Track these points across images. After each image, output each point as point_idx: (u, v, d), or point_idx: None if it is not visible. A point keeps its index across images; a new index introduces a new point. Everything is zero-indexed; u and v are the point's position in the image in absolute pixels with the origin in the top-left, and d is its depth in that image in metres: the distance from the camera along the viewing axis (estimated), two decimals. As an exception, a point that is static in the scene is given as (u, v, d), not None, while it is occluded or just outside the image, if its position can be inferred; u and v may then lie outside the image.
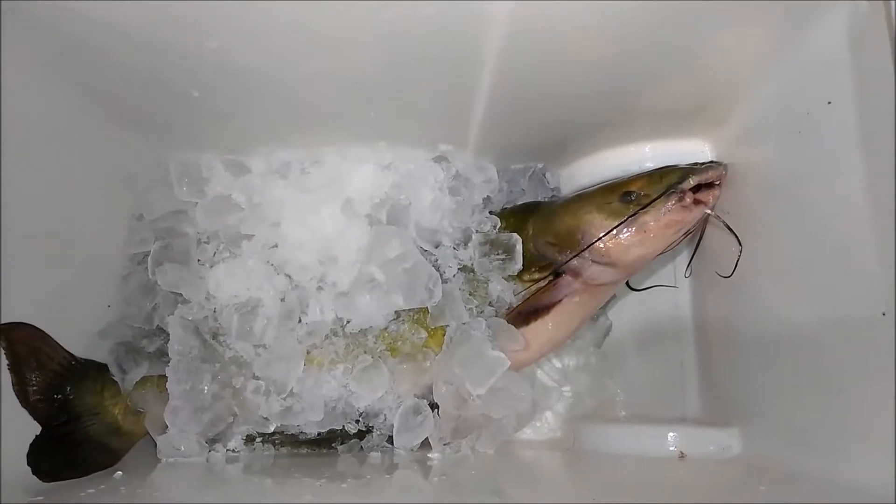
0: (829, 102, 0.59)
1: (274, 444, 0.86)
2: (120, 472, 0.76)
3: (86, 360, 0.81)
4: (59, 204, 0.78)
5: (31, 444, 0.72)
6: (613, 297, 0.97)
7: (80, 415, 0.79)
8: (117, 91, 0.77)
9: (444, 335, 0.85)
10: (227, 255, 0.90)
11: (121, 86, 0.75)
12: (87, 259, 0.83)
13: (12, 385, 0.73)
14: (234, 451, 0.84)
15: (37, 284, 0.74)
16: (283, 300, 0.86)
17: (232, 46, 0.67)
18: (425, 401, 0.84)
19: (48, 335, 0.76)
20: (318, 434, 0.85)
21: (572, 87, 0.75)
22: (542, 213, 0.92)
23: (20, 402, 0.73)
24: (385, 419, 0.85)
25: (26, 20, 0.63)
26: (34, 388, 0.74)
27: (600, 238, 0.82)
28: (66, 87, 0.74)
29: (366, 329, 0.86)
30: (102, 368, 0.83)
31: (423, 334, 0.86)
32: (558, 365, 0.97)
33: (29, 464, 0.70)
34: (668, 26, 0.63)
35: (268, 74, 0.72)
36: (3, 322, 0.69)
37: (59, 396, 0.77)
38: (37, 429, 0.74)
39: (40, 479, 0.70)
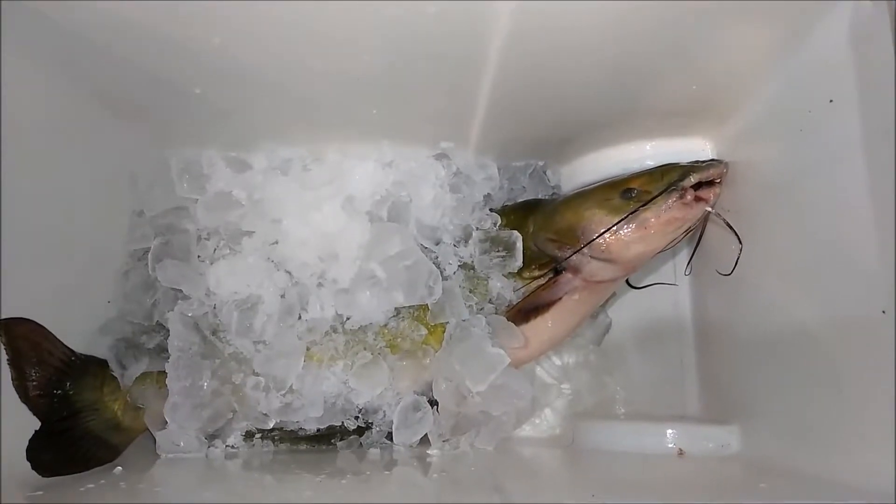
0: (831, 101, 0.59)
1: (273, 441, 0.86)
2: (119, 468, 0.76)
3: (86, 355, 0.81)
4: (59, 200, 0.78)
5: (31, 440, 0.72)
6: (613, 294, 0.98)
7: (79, 410, 0.79)
8: (118, 87, 0.77)
9: (443, 332, 0.85)
10: (228, 251, 0.90)
11: (122, 82, 0.75)
12: (87, 255, 0.83)
13: (12, 380, 0.72)
14: (233, 447, 0.84)
15: (37, 280, 0.74)
16: (283, 297, 0.86)
17: (234, 43, 0.67)
18: (425, 397, 0.84)
19: (48, 331, 0.76)
20: (318, 430, 0.85)
21: (573, 85, 0.75)
22: (542, 210, 0.92)
23: (20, 397, 0.73)
24: (384, 416, 0.85)
25: (27, 16, 0.62)
26: (34, 383, 0.74)
27: (601, 234, 0.82)
28: (66, 84, 0.74)
29: (366, 326, 0.86)
30: (102, 364, 0.83)
31: (423, 331, 0.86)
32: (558, 362, 0.97)
33: (28, 459, 0.70)
34: (670, 25, 0.63)
35: (270, 72, 0.72)
36: (3, 317, 0.69)
37: (59, 392, 0.77)
38: (36, 424, 0.74)
39: (40, 473, 0.70)
